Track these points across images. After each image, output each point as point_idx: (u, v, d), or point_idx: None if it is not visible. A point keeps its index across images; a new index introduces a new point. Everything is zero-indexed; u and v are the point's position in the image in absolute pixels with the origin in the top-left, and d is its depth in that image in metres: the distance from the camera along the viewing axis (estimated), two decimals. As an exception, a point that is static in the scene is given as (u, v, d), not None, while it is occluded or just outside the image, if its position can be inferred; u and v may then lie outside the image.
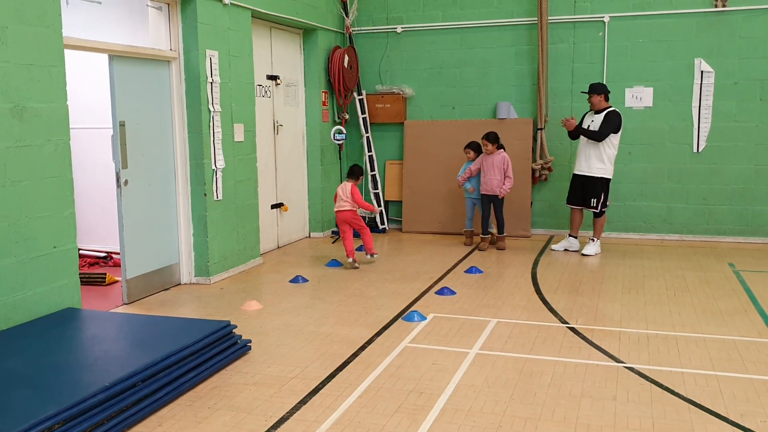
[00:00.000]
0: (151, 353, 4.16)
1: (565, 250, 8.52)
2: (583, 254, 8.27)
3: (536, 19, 9.36)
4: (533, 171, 9.52)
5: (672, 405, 4.01)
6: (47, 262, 5.06)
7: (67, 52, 5.27)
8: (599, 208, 8.20)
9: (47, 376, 3.84)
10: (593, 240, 8.36)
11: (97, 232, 8.18)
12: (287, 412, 3.95)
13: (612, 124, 8.02)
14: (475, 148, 8.78)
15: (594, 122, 8.14)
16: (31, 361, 4.05)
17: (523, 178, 9.42)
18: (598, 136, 8.02)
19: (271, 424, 3.79)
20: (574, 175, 8.40)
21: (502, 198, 8.53)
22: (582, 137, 8.23)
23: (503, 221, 8.65)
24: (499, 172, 8.44)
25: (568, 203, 8.55)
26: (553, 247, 8.62)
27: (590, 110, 8.30)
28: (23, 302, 4.83)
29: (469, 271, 7.47)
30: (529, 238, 9.48)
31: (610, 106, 8.22)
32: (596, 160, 8.09)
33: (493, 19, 9.62)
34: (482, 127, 9.52)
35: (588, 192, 8.23)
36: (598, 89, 8.16)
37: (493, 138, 8.47)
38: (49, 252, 5.08)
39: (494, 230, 8.85)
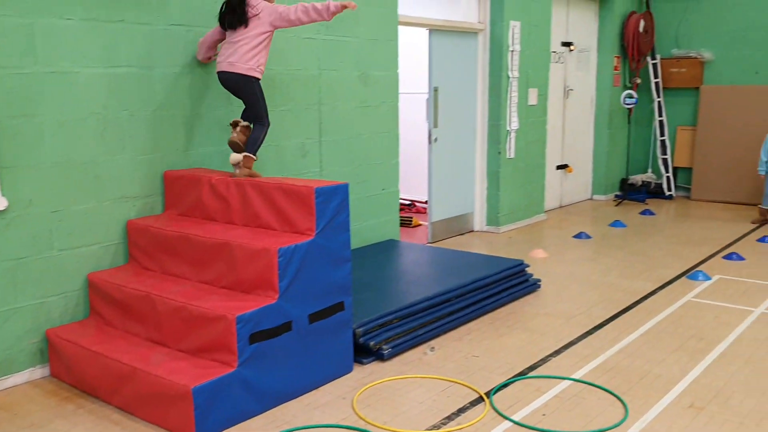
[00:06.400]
0: (460, 278, 5.05)
1: None
2: None
3: None
4: None
5: None
6: (377, 201, 6.24)
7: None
8: None
9: (385, 285, 4.93)
10: None
11: (403, 182, 9.41)
12: (576, 338, 4.57)
13: None
14: None
15: None
16: (371, 274, 5.18)
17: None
18: None
19: (562, 345, 4.45)
20: None
21: None
22: None
23: None
24: None
25: None
26: None
27: None
28: (360, 231, 6.05)
29: (762, 240, 7.28)
30: (839, 213, 8.76)
31: None
32: None
33: (812, -25, 8.90)
34: (790, 92, 8.95)
35: None
36: None
37: None
38: (378, 193, 6.25)
39: None
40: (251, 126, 4.47)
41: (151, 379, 3.53)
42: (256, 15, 4.30)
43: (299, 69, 5.36)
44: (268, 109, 4.49)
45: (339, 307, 4.00)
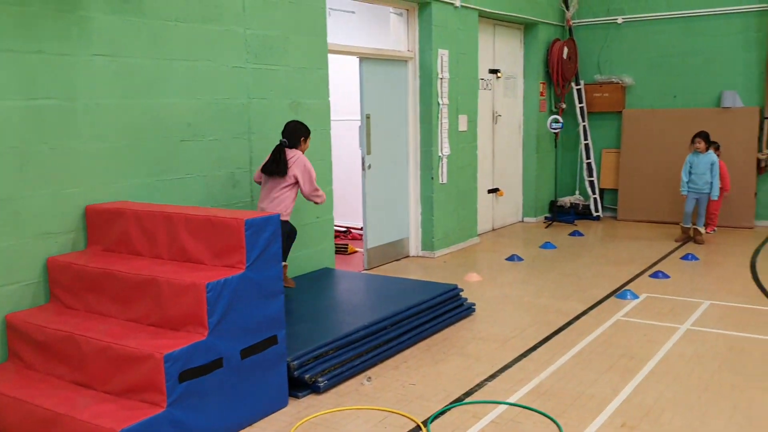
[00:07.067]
0: (396, 305, 5.04)
1: None
2: None
3: (769, 3, 9.01)
4: (758, 161, 9.21)
5: None
6: (311, 230, 6.19)
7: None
8: None
9: (319, 315, 4.87)
10: None
11: (338, 209, 9.40)
12: (510, 362, 4.61)
13: None
14: (705, 137, 8.31)
15: None
16: (306, 304, 5.11)
17: (747, 169, 9.17)
18: None
19: (497, 369, 4.48)
20: None
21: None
22: None
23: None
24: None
25: None
26: None
27: None
28: (294, 260, 5.97)
29: (685, 258, 7.56)
30: (753, 229, 9.20)
31: None
32: None
33: (721, 6, 9.40)
34: (705, 115, 9.40)
35: None
36: None
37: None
38: (312, 221, 6.20)
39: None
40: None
41: (76, 424, 3.37)
42: (293, 163, 5.02)
43: (228, 98, 5.30)
44: None
45: (272, 341, 3.92)
